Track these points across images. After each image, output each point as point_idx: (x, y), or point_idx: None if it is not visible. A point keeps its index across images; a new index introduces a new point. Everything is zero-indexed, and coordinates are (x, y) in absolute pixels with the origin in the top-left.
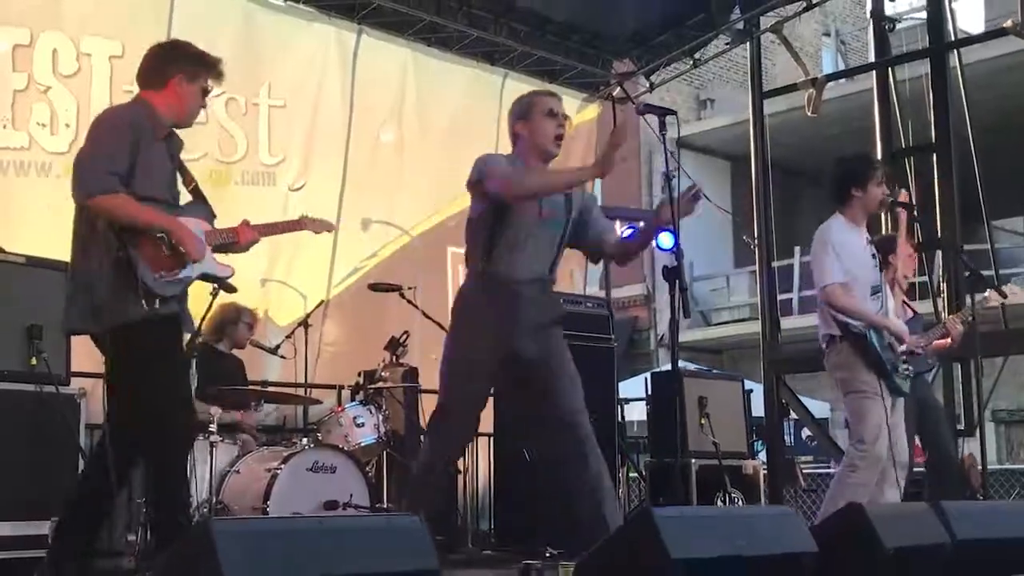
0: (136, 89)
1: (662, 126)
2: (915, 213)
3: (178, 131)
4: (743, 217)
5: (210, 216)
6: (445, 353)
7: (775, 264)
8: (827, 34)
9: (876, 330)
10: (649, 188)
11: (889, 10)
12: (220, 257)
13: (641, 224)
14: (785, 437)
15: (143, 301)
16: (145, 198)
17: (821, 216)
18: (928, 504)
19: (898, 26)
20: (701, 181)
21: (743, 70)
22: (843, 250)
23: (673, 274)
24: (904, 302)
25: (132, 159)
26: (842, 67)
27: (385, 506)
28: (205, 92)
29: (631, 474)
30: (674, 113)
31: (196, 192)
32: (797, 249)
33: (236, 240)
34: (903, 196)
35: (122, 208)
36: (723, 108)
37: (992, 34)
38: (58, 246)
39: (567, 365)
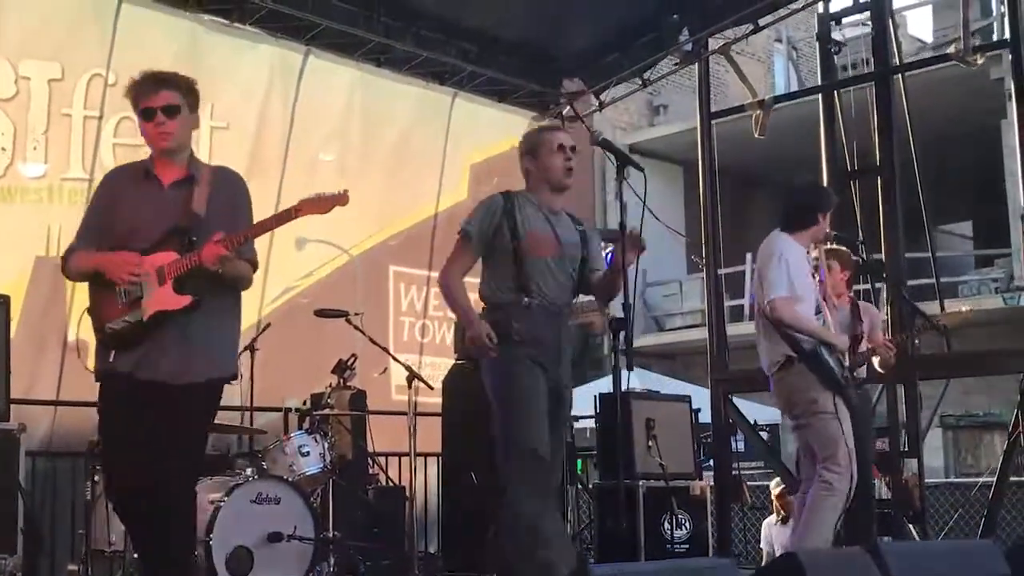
0: (72, 112)
1: (621, 172)
2: (856, 250)
3: None
4: (695, 226)
5: (183, 245)
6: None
7: (722, 272)
8: (779, 40)
9: (824, 345)
10: (603, 212)
11: (836, 34)
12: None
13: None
14: (738, 443)
15: (98, 358)
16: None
17: (772, 222)
18: (863, 548)
19: (846, 33)
20: (654, 187)
21: (696, 75)
22: (792, 266)
23: (620, 324)
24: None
25: (100, 214)
26: (794, 74)
27: (330, 535)
28: (147, 114)
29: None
30: (641, 169)
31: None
32: (748, 256)
33: (199, 264)
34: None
35: (72, 266)
36: (676, 114)
37: (937, 59)
38: None
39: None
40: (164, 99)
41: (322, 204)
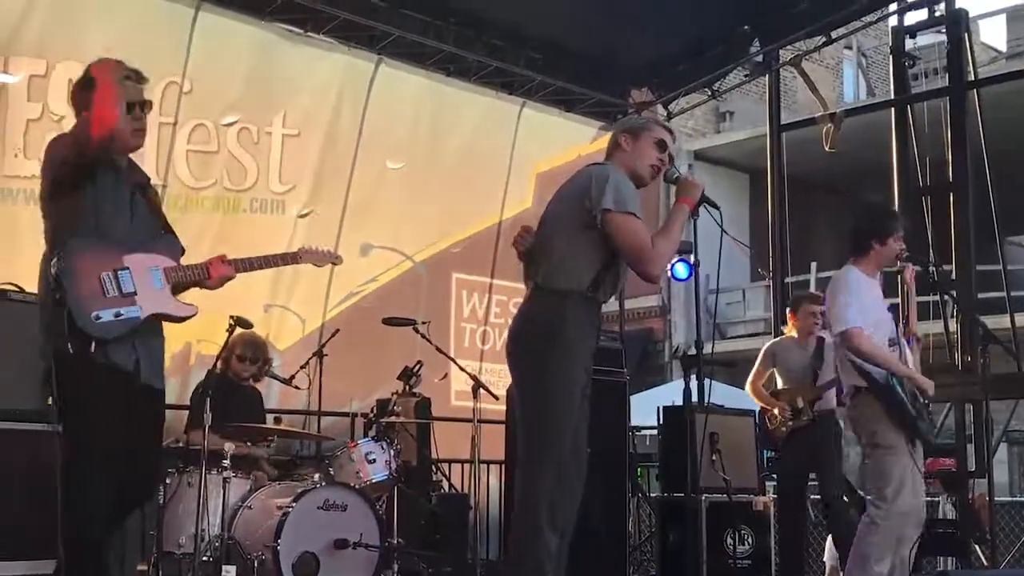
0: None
1: (695, 209)
2: (929, 270)
3: None
4: (760, 233)
5: (174, 251)
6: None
7: (789, 280)
8: (848, 47)
9: (899, 379)
10: (667, 210)
11: (909, 43)
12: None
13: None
14: None
15: (69, 344)
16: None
17: (838, 230)
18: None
19: (919, 41)
20: (719, 193)
21: (763, 83)
22: (860, 298)
23: (693, 361)
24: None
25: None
26: (862, 81)
27: (395, 542)
28: (128, 107)
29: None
30: (716, 207)
31: (163, 225)
32: (814, 265)
33: (207, 277)
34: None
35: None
36: (742, 121)
37: (1013, 75)
38: None
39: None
40: (143, 95)
41: (319, 257)
